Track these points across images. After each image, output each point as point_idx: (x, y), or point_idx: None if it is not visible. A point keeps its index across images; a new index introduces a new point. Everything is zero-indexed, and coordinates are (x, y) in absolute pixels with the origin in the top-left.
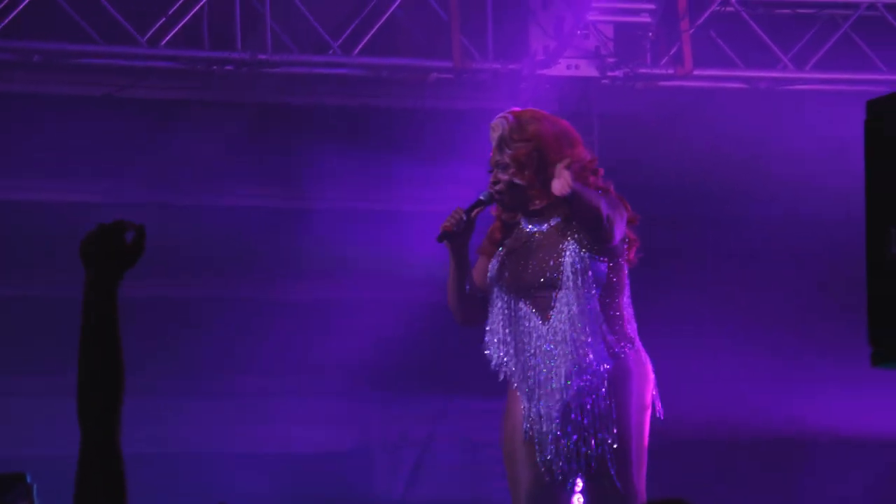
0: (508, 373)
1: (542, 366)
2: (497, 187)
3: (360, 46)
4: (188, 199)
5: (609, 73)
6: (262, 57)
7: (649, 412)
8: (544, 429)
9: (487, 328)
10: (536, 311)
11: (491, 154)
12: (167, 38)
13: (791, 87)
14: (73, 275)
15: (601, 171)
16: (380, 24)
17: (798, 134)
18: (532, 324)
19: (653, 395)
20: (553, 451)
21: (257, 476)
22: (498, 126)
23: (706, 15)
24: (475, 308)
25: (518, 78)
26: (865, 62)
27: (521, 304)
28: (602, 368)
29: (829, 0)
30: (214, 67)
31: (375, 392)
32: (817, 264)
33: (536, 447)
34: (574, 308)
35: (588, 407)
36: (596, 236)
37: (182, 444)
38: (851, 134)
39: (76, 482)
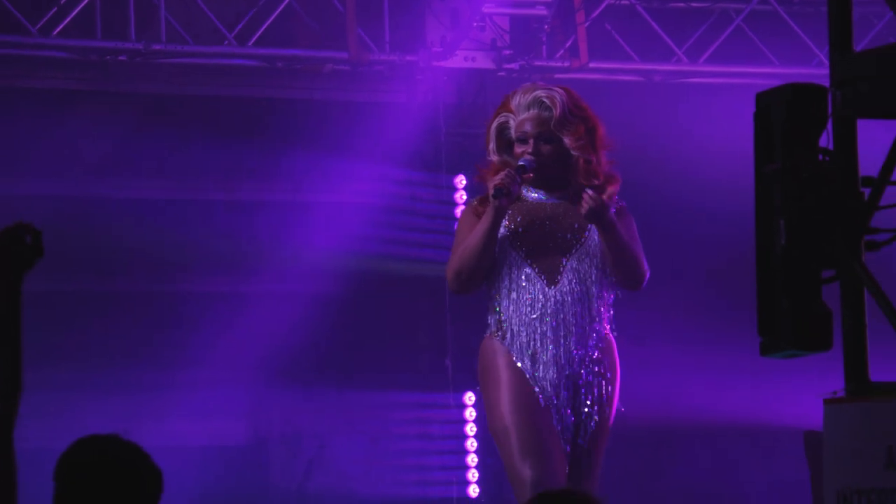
0: (510, 336)
1: (547, 331)
2: (539, 157)
3: (255, 37)
4: (82, 191)
5: (505, 66)
6: (157, 47)
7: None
8: (543, 394)
9: (493, 290)
10: (545, 275)
11: (519, 123)
12: (59, 27)
13: (685, 80)
14: None
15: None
16: (275, 14)
17: (692, 126)
18: (537, 287)
19: None
20: (556, 419)
21: None
22: (558, 101)
23: (601, 8)
24: (483, 273)
25: (415, 70)
26: (758, 55)
27: (529, 269)
28: (602, 343)
29: None
30: (108, 58)
31: (272, 384)
32: (712, 255)
33: (537, 409)
34: (592, 276)
35: (585, 378)
36: (628, 281)
37: (75, 438)
38: (744, 126)
39: None
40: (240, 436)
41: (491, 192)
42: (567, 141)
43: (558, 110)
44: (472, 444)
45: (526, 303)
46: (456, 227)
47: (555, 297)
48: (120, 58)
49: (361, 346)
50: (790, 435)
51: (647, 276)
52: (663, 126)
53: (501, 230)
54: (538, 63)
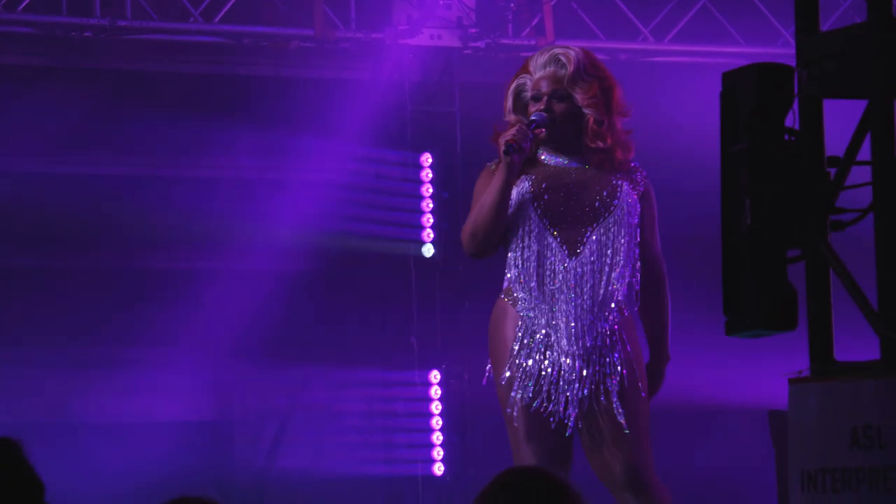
0: (524, 304)
1: (563, 303)
2: (551, 114)
3: (221, 14)
4: (46, 168)
5: (471, 44)
6: (122, 24)
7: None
8: (560, 366)
9: (510, 253)
10: (567, 245)
11: (535, 82)
12: (25, 2)
13: (651, 59)
14: None
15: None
16: None
17: (658, 105)
18: (558, 258)
19: None
20: (564, 389)
21: (117, 446)
22: (573, 58)
23: None
24: (499, 234)
25: (381, 47)
26: (723, 35)
27: (550, 237)
28: (625, 313)
29: None
30: (73, 34)
31: (237, 361)
32: (678, 234)
33: (546, 381)
34: (617, 248)
35: (600, 352)
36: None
37: (41, 415)
38: (709, 105)
39: None
40: (205, 413)
41: (502, 148)
42: (579, 97)
43: (572, 67)
44: (437, 422)
45: (546, 272)
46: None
47: (575, 269)
48: (85, 34)
49: (327, 323)
50: (755, 415)
51: (665, 270)
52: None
53: (525, 195)
54: (504, 41)
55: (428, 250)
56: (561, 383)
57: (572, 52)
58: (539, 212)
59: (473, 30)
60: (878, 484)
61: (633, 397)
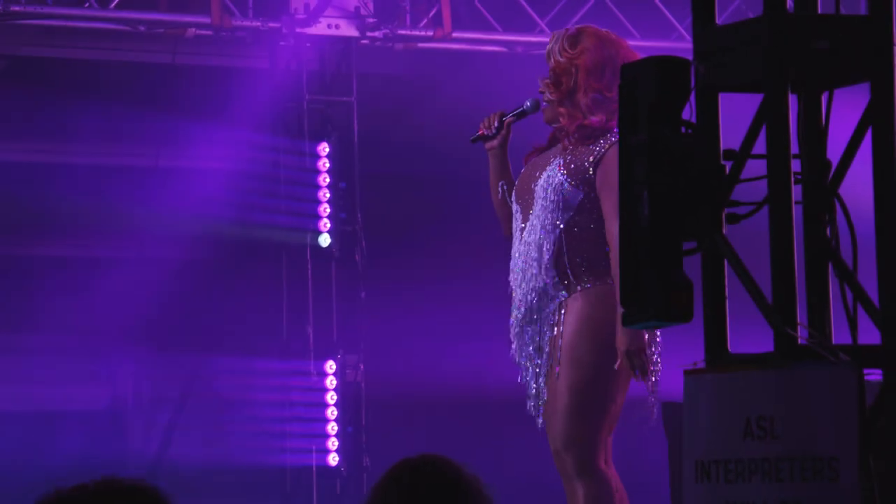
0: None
1: (517, 286)
2: (545, 97)
3: (116, 0)
4: None
5: (369, 34)
6: (16, 8)
7: (616, 358)
8: (520, 354)
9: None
10: (522, 227)
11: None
12: None
13: None
14: None
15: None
16: None
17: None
18: (516, 242)
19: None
20: (526, 381)
21: (8, 435)
22: (556, 34)
23: None
24: (504, 217)
25: (278, 36)
26: (619, 28)
27: (519, 217)
28: (560, 296)
29: None
30: None
31: (130, 350)
32: None
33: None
34: (539, 231)
35: (546, 336)
36: None
37: None
38: None
39: None
40: (97, 401)
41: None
42: (548, 78)
43: (549, 45)
44: (332, 412)
45: (514, 253)
46: None
47: (520, 248)
48: None
49: (222, 312)
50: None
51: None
52: (524, 96)
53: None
54: (402, 32)
55: (324, 240)
56: (522, 368)
57: (557, 33)
58: (514, 198)
59: (371, 20)
60: (771, 474)
61: (552, 381)
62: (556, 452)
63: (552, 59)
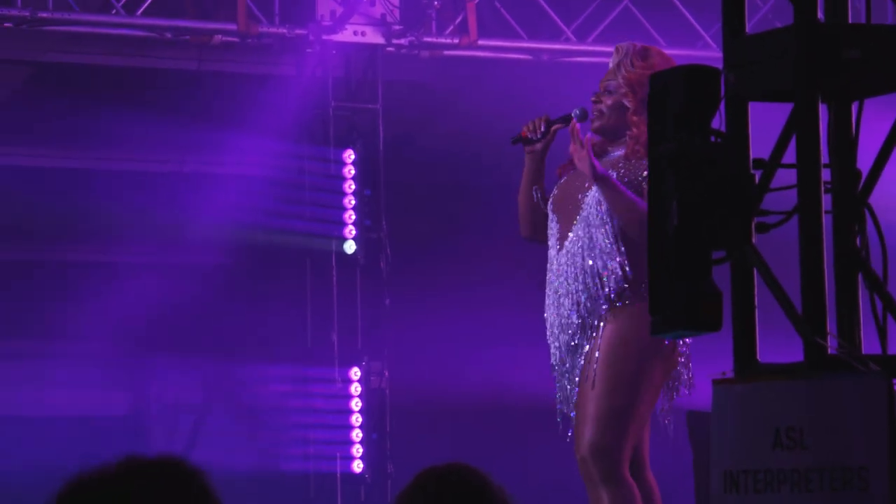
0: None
1: (552, 296)
2: (598, 106)
3: (143, 7)
4: None
5: (394, 41)
6: (44, 15)
7: (652, 373)
8: (554, 364)
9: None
10: (559, 237)
11: (605, 77)
12: None
13: (573, 59)
14: None
15: None
16: None
17: (579, 105)
18: (554, 251)
19: (666, 356)
20: (558, 388)
21: (29, 439)
22: (623, 48)
23: None
24: (538, 223)
25: (304, 43)
26: (645, 36)
27: (555, 229)
28: (602, 309)
29: None
30: None
31: (155, 355)
32: None
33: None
34: (586, 241)
35: (582, 348)
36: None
37: None
38: None
39: None
40: (120, 407)
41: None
42: (618, 82)
43: (619, 56)
44: (356, 419)
45: (550, 265)
46: None
47: (559, 261)
48: (6, 24)
49: (246, 318)
50: (673, 415)
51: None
52: (549, 104)
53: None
54: (427, 39)
55: (350, 247)
56: (555, 375)
57: (625, 45)
58: (552, 206)
59: (397, 27)
60: (800, 485)
61: (585, 387)
62: (581, 459)
63: (623, 70)
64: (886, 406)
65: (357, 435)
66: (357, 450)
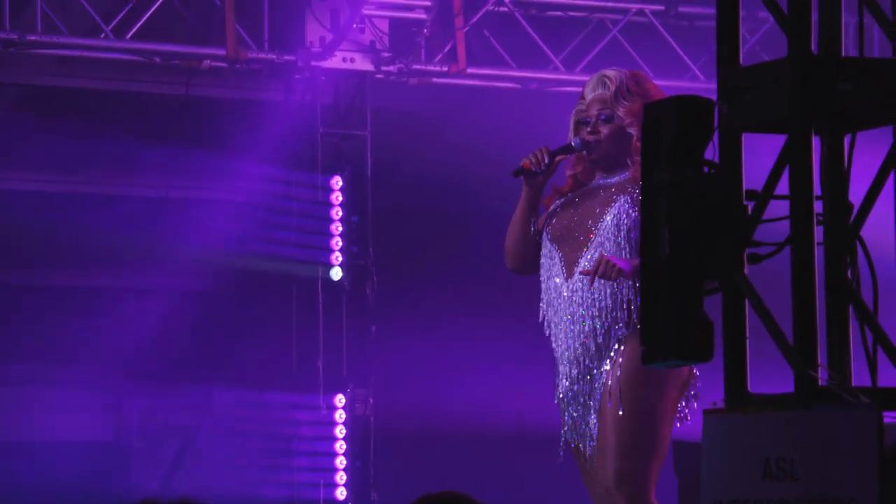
0: (547, 328)
1: (562, 326)
2: (596, 136)
3: (132, 31)
4: None
5: (384, 68)
6: (32, 38)
7: (670, 400)
8: (561, 393)
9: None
10: (565, 265)
11: (586, 107)
12: None
13: (561, 89)
14: None
15: None
16: (153, 8)
17: (567, 134)
18: (560, 280)
19: (680, 386)
20: (567, 419)
21: (13, 464)
22: (615, 77)
23: (480, 14)
24: (529, 254)
25: (293, 69)
26: (633, 66)
27: (557, 258)
28: (619, 335)
29: (600, 5)
30: None
31: (139, 380)
32: None
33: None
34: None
35: (597, 375)
36: None
37: None
38: None
39: None
40: (104, 432)
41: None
42: (621, 115)
43: (614, 86)
44: (340, 446)
45: (553, 295)
46: None
47: (569, 289)
48: None
49: (232, 344)
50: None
51: None
52: (537, 133)
53: (546, 217)
54: (416, 66)
55: (336, 273)
56: (559, 404)
57: (614, 73)
58: (548, 232)
59: (386, 54)
60: None
61: (603, 418)
62: (607, 490)
63: (623, 101)
64: (876, 438)
65: (341, 462)
66: (341, 477)
